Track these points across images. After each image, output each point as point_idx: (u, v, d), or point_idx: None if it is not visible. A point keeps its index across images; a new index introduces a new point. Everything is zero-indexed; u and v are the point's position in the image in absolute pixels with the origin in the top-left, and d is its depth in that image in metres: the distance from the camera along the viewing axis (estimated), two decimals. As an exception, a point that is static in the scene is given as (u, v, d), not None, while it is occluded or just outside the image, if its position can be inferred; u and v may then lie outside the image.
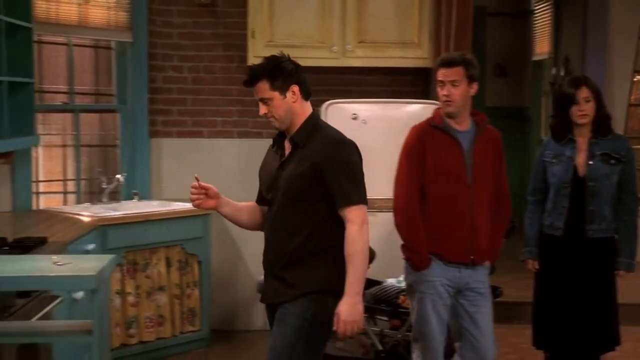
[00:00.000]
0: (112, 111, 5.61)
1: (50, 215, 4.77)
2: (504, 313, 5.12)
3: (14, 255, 3.25)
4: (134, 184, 5.45)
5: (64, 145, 5.46)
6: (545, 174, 4.13)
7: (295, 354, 2.99)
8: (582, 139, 4.06)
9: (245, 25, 5.38)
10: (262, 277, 4.35)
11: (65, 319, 3.73)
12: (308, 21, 5.34)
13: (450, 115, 3.66)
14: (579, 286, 4.07)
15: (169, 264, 5.01)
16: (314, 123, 3.12)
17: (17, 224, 4.47)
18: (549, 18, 8.38)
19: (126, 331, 4.80)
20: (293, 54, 5.27)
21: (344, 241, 2.98)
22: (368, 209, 5.14)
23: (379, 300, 4.20)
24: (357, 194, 3.02)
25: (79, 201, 5.36)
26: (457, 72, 3.61)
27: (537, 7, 8.79)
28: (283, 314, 3.06)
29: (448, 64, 3.64)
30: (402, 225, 3.68)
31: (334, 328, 2.95)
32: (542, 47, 8.69)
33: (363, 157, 5.06)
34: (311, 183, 3.00)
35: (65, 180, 5.48)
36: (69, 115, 5.37)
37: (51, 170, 5.45)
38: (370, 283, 4.40)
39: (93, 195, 5.43)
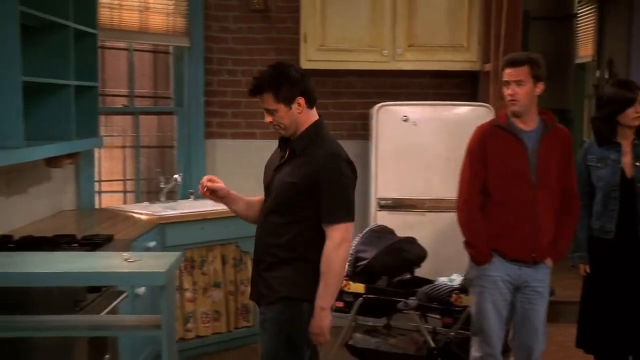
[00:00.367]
0: (170, 113, 5.67)
1: (112, 214, 4.83)
2: (550, 311, 5.04)
3: (85, 252, 3.30)
4: (190, 184, 5.49)
5: (124, 147, 5.53)
6: (590, 177, 4.06)
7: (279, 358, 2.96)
8: (626, 141, 4.00)
9: (298, 30, 5.41)
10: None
11: (128, 313, 3.78)
12: (359, 25, 5.34)
13: (515, 115, 3.62)
14: (629, 288, 4.00)
15: (224, 261, 5.05)
16: (315, 132, 3.00)
17: (82, 221, 4.54)
18: (592, 21, 8.24)
19: (184, 326, 4.85)
20: (344, 57, 5.39)
21: None
22: (418, 208, 5.16)
23: (431, 299, 4.18)
24: (342, 212, 2.91)
25: (138, 200, 5.43)
26: (522, 72, 3.58)
27: (580, 11, 8.66)
28: (263, 319, 3.02)
29: (513, 63, 3.61)
30: (463, 221, 3.68)
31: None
32: (585, 50, 8.56)
33: (413, 158, 5.12)
34: (300, 194, 2.92)
35: (125, 180, 5.55)
36: (129, 118, 5.44)
37: (111, 170, 5.52)
38: (422, 282, 4.39)
39: (151, 194, 5.50)
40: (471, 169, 3.65)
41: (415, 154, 5.14)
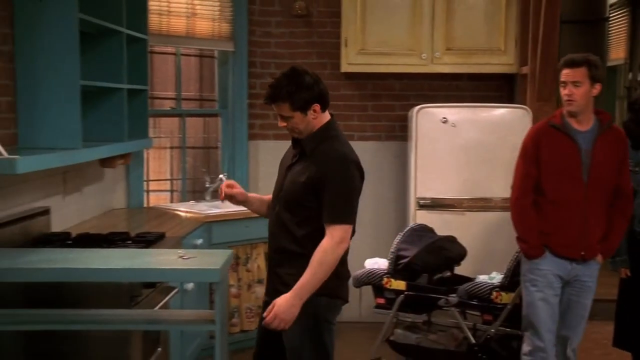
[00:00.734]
0: (215, 115, 5.69)
1: (160, 212, 4.87)
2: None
3: (140, 249, 3.33)
4: (234, 183, 5.50)
5: (171, 147, 5.57)
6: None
7: (306, 353, 2.91)
8: None
9: (339, 34, 5.41)
10: (357, 272, 4.40)
11: (177, 308, 3.81)
12: (398, 30, 5.32)
13: (571, 115, 3.59)
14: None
15: (267, 259, 5.05)
16: (326, 133, 2.93)
17: (132, 219, 4.58)
18: (625, 24, 8.14)
19: (229, 320, 4.86)
20: (384, 61, 5.37)
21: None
22: (456, 208, 5.12)
23: (472, 296, 4.14)
24: (344, 213, 2.86)
25: (184, 199, 5.46)
26: (579, 73, 3.54)
27: (612, 14, 8.54)
28: None
29: (571, 64, 3.58)
30: (515, 217, 3.69)
31: (264, 314, 2.84)
32: (617, 53, 8.45)
33: (452, 159, 5.08)
34: (307, 195, 2.87)
35: (172, 179, 5.60)
36: (176, 119, 5.48)
37: (158, 170, 5.56)
38: (462, 279, 4.36)
39: (197, 193, 5.53)
40: (524, 167, 3.65)
41: (454, 154, 5.11)
